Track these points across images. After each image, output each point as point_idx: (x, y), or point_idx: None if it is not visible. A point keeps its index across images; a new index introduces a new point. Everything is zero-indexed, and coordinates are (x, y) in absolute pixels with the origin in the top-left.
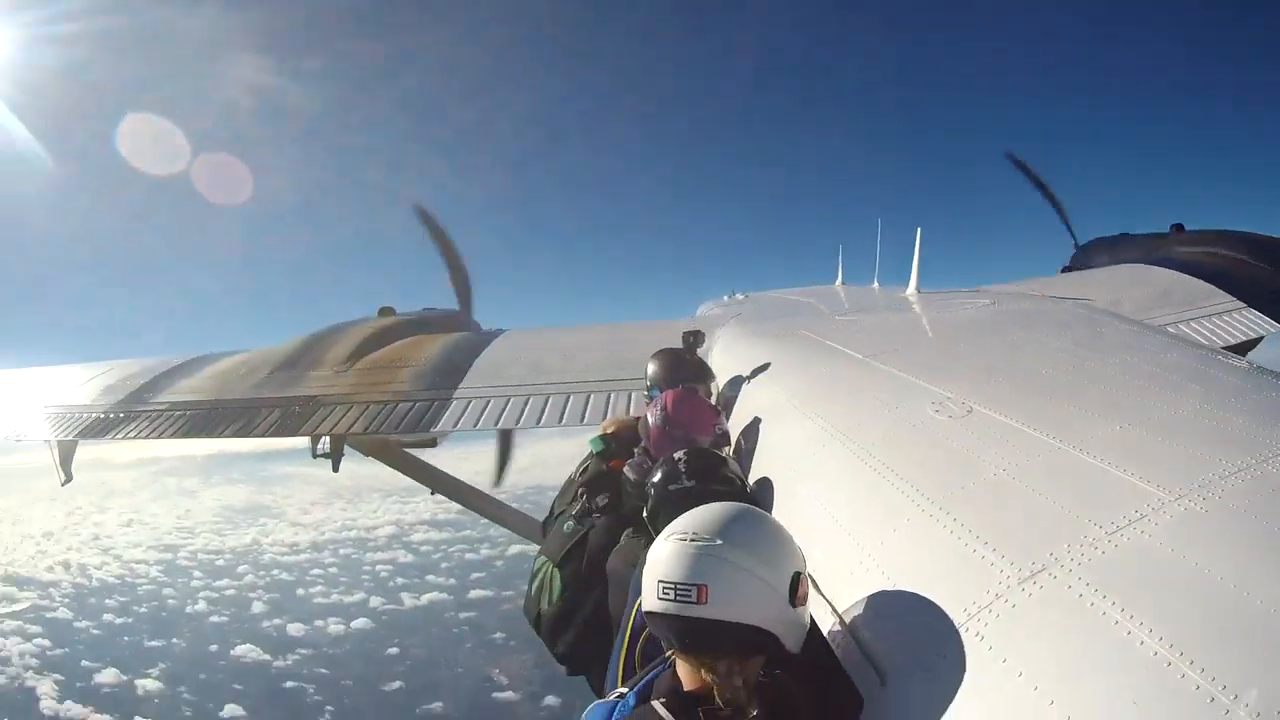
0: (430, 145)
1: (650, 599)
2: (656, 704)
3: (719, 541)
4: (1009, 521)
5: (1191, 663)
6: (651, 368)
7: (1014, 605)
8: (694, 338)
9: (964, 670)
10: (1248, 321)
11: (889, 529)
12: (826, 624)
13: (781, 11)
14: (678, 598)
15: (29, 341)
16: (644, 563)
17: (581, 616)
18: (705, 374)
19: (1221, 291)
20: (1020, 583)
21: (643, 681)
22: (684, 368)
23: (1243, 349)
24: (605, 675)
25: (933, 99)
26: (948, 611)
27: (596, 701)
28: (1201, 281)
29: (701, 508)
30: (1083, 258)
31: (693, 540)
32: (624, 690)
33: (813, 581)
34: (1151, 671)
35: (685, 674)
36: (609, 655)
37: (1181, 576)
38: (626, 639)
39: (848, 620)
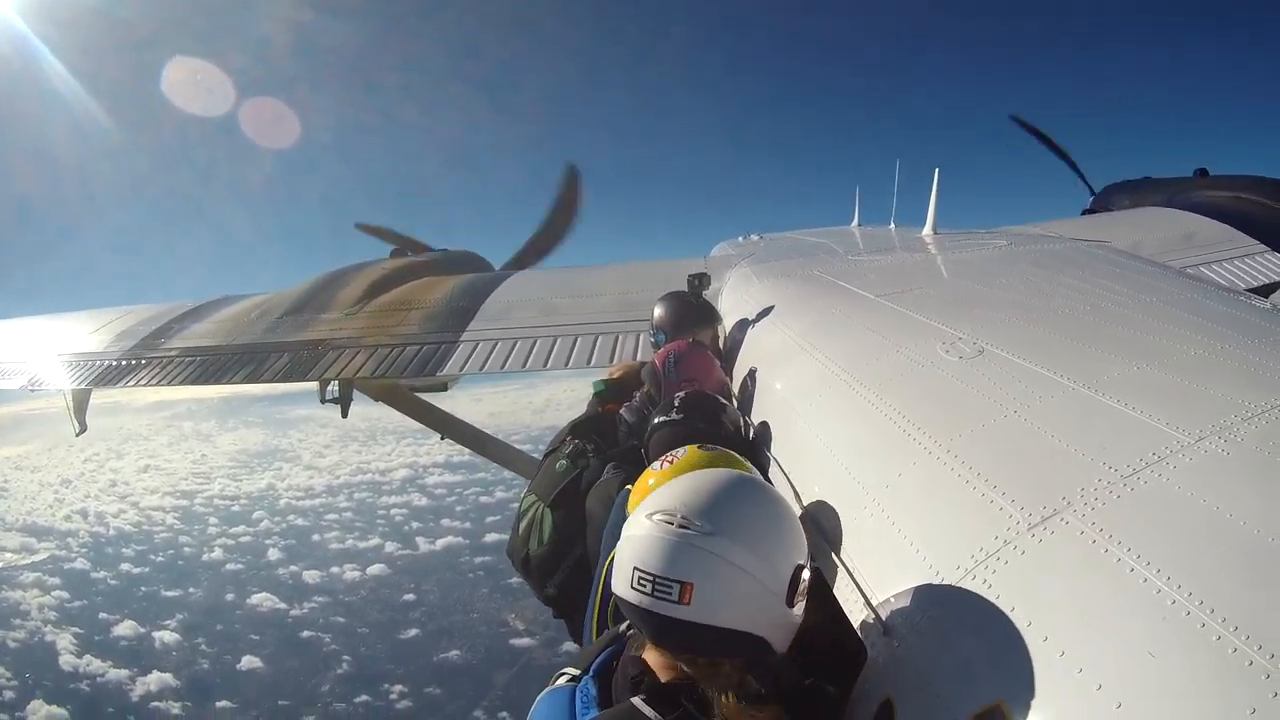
0: (465, 83)
1: (622, 584)
2: (638, 702)
3: (713, 532)
4: (1019, 465)
5: (1211, 610)
6: (658, 311)
7: (1023, 552)
8: (699, 280)
9: (970, 620)
10: (1271, 264)
11: (893, 472)
12: (829, 572)
13: None
14: (656, 592)
15: (57, 288)
16: (621, 506)
17: (572, 559)
18: (712, 317)
19: (1244, 235)
20: (1030, 528)
21: (598, 660)
22: (690, 311)
23: (1265, 292)
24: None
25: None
26: (954, 558)
27: (549, 689)
28: (1224, 224)
29: (696, 476)
30: (1104, 200)
31: (680, 526)
32: (575, 672)
33: (818, 526)
34: (1168, 620)
35: (658, 663)
36: None
37: (1201, 520)
38: (599, 594)
39: (850, 568)
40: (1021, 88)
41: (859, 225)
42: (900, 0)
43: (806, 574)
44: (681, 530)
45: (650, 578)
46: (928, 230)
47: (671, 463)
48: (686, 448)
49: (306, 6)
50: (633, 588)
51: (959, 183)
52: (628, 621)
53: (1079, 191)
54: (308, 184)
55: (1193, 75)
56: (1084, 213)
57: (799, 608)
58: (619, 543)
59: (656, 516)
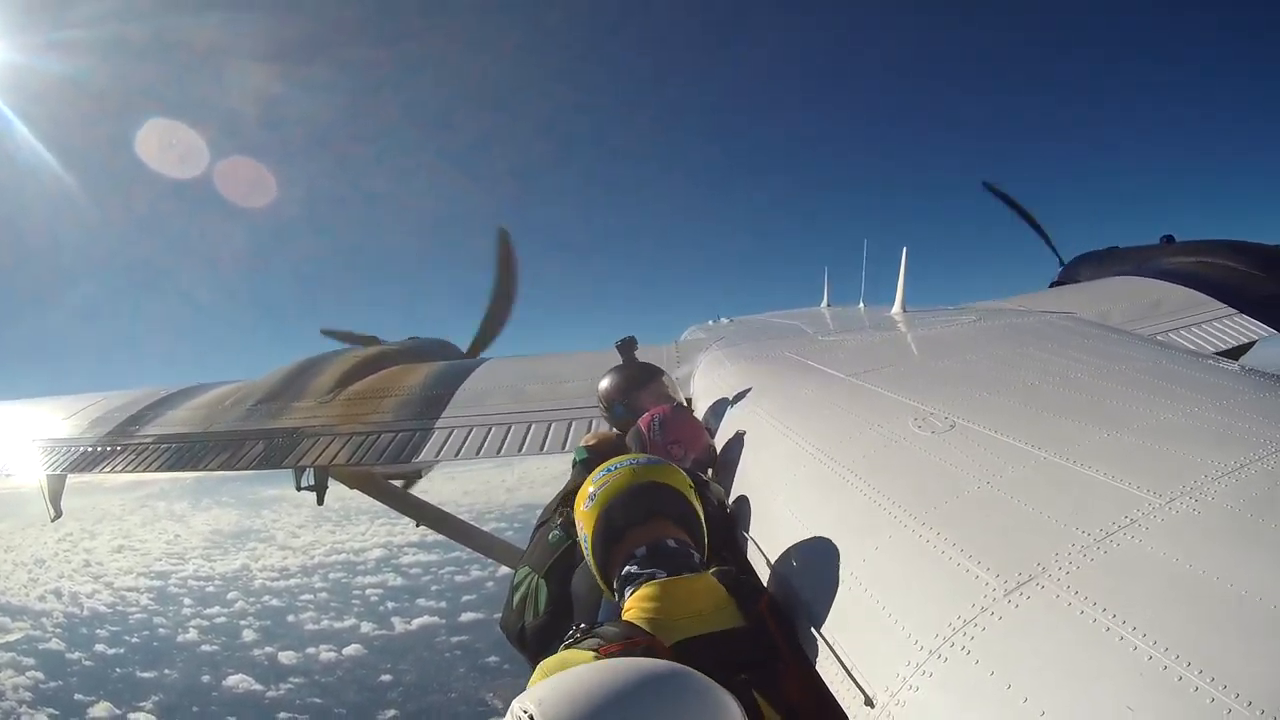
0: (439, 157)
1: None
2: None
3: None
4: (993, 533)
5: (1188, 664)
6: (604, 385)
7: (1000, 617)
8: (625, 343)
9: (951, 686)
10: (1239, 327)
11: (870, 546)
12: (810, 646)
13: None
14: None
15: (36, 358)
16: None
17: (568, 629)
18: (653, 372)
19: (1211, 299)
20: (1006, 594)
21: None
22: (630, 375)
23: (1235, 354)
24: None
25: (919, 119)
26: (933, 627)
27: None
28: (1191, 290)
29: (593, 670)
30: (1071, 272)
31: None
32: None
33: (798, 599)
34: (1146, 674)
35: None
36: None
37: (1175, 578)
38: None
39: (831, 640)
40: (992, 163)
41: (829, 305)
42: (869, 78)
43: None
44: None
45: None
46: (896, 309)
47: (608, 471)
48: (620, 460)
49: (277, 80)
50: None
51: (928, 258)
52: None
53: (1046, 265)
54: (275, 255)
55: (1165, 144)
56: (1052, 285)
57: None
58: None
59: (515, 709)
